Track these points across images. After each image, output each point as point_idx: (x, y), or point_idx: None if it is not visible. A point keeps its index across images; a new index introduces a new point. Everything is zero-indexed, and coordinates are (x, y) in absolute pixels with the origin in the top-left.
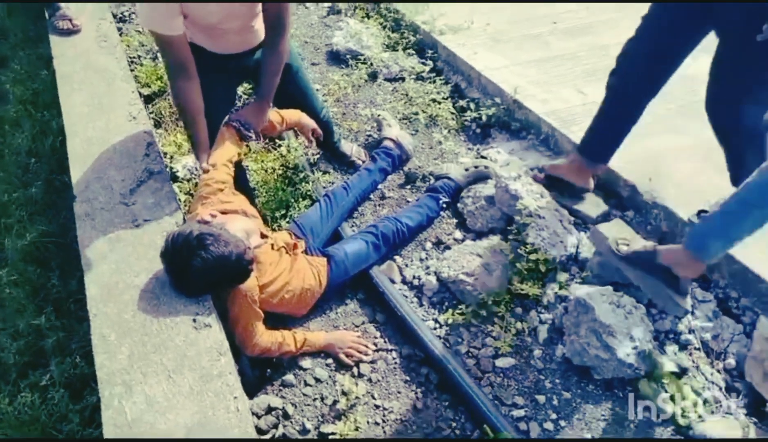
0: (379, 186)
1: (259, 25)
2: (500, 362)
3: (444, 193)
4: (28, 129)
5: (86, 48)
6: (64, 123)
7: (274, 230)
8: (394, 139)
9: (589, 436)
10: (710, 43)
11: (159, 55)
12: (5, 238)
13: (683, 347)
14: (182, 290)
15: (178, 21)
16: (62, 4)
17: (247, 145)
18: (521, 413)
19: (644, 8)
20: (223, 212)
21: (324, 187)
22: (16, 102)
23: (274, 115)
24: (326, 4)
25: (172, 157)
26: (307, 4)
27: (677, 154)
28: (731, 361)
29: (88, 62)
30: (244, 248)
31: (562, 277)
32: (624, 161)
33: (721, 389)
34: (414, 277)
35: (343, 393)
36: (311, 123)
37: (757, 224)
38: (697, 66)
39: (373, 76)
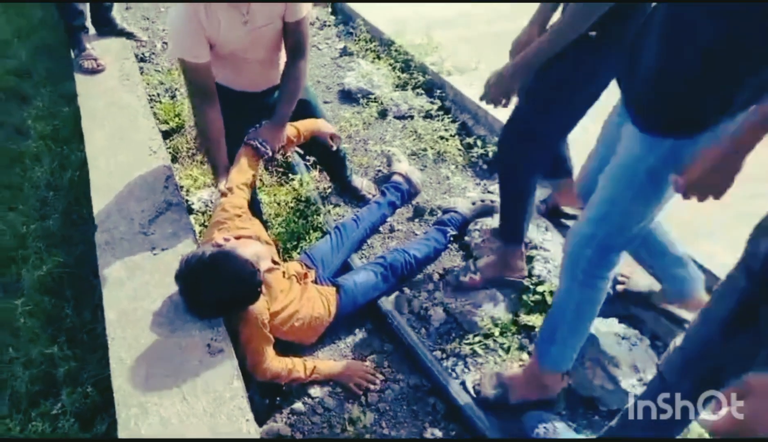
0: (388, 219)
1: (282, 60)
2: None
3: (451, 226)
4: (48, 163)
5: (110, 86)
6: (87, 156)
7: (285, 260)
8: (404, 174)
9: None
10: None
11: (177, 92)
12: (22, 268)
13: None
14: (195, 310)
15: (205, 49)
16: (88, 45)
17: (261, 180)
18: None
19: None
20: (237, 238)
21: (335, 220)
22: (37, 137)
23: (289, 129)
24: (338, 47)
25: (188, 190)
26: (320, 47)
27: None
28: None
29: (112, 99)
30: (254, 270)
31: None
32: None
33: None
34: (421, 307)
35: (351, 422)
36: (329, 128)
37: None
38: None
39: (383, 114)
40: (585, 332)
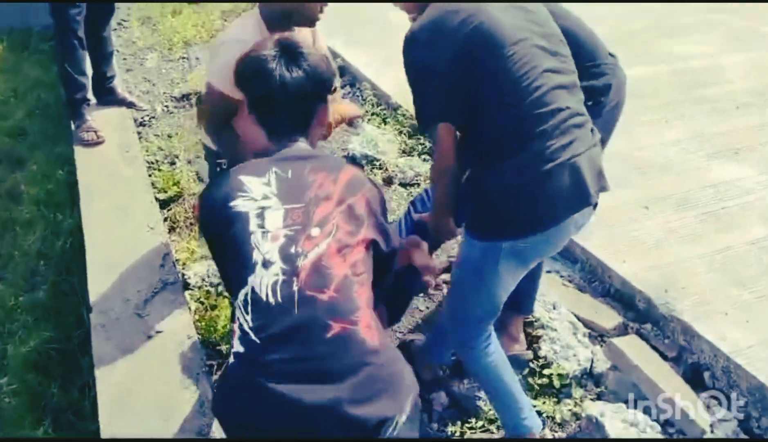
0: None
1: None
2: None
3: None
4: (40, 230)
5: (109, 158)
6: (84, 232)
7: None
8: None
9: None
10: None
11: (176, 159)
12: (8, 343)
13: None
14: None
15: None
16: (88, 117)
17: None
18: None
19: None
20: None
21: None
22: (29, 203)
23: None
24: None
25: (184, 264)
26: None
27: (695, 263)
28: None
29: (111, 172)
30: None
31: (577, 393)
32: (641, 271)
33: None
34: (423, 390)
35: None
36: (355, 111)
37: None
38: (721, 172)
39: (388, 181)
40: (507, 388)
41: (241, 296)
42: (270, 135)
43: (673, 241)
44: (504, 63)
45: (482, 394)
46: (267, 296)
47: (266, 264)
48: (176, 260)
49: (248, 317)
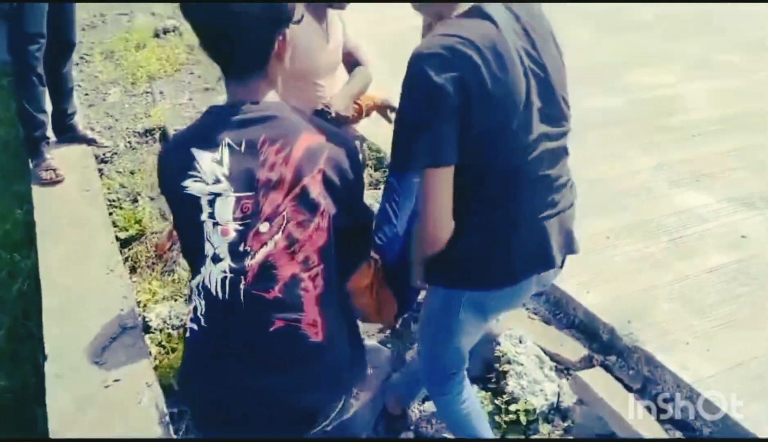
0: None
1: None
2: None
3: None
4: None
5: (68, 198)
6: (40, 275)
7: None
8: None
9: None
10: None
11: (138, 196)
12: None
13: None
14: None
15: None
16: (47, 155)
17: None
18: None
19: None
20: None
21: None
22: None
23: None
24: None
25: (145, 305)
26: None
27: (657, 293)
28: None
29: (70, 212)
30: None
31: (545, 429)
32: (605, 301)
33: None
34: (390, 430)
35: None
36: (388, 101)
37: None
38: (683, 201)
39: None
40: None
41: (195, 282)
42: (225, 74)
43: (636, 270)
44: (510, 124)
45: (450, 435)
46: (216, 292)
47: (216, 259)
48: (137, 302)
49: (201, 303)
